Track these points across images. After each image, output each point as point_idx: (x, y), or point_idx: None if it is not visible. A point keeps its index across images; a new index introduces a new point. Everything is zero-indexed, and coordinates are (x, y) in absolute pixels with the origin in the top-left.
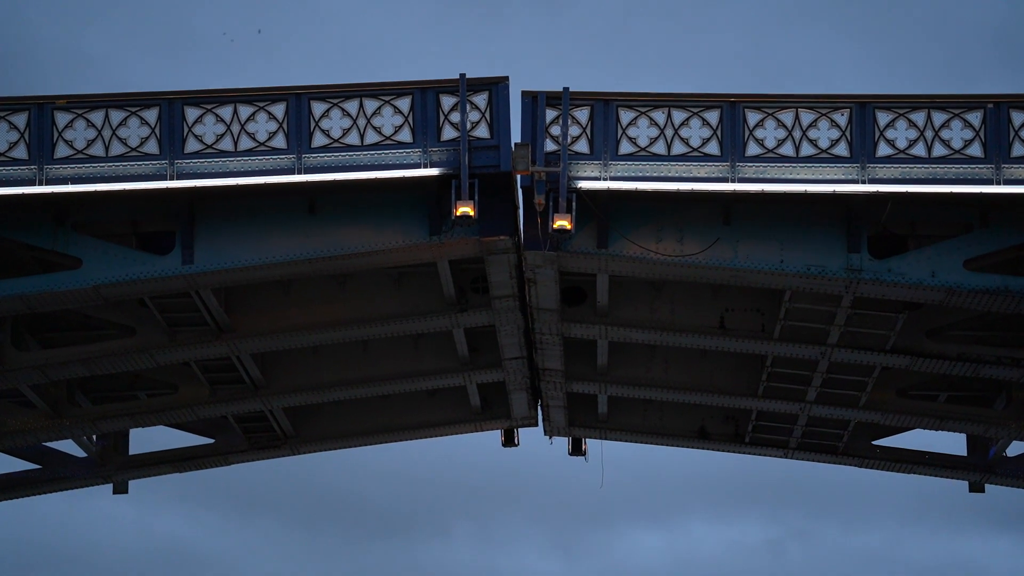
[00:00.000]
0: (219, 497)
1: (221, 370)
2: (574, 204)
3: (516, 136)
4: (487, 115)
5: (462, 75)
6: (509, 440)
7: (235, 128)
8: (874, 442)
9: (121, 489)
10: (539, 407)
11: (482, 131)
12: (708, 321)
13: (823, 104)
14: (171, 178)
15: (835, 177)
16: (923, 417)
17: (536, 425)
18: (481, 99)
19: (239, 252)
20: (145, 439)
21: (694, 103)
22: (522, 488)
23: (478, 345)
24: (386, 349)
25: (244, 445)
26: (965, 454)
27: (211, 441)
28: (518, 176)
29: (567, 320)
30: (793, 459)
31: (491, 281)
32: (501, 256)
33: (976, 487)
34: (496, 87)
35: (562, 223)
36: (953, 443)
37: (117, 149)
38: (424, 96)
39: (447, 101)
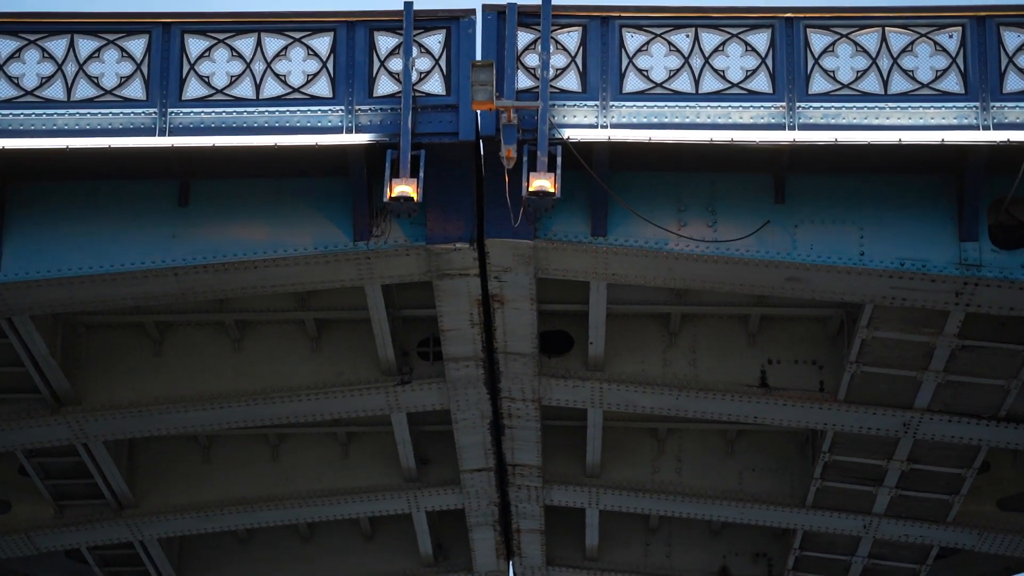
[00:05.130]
0: None
1: None
2: (559, 161)
3: None
4: (442, 63)
5: (408, 3)
6: None
7: (69, 69)
8: None
9: None
10: (509, 550)
11: (435, 84)
12: (744, 375)
13: (923, 20)
14: None
15: (943, 122)
16: None
17: None
18: (435, 40)
19: (69, 255)
20: None
21: (733, 21)
22: None
23: (428, 449)
24: (300, 446)
25: None
26: None
27: None
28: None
29: (547, 375)
30: None
31: (443, 329)
32: (457, 281)
33: None
34: (457, 24)
35: (542, 184)
36: None
37: None
38: (351, 34)
39: (385, 42)
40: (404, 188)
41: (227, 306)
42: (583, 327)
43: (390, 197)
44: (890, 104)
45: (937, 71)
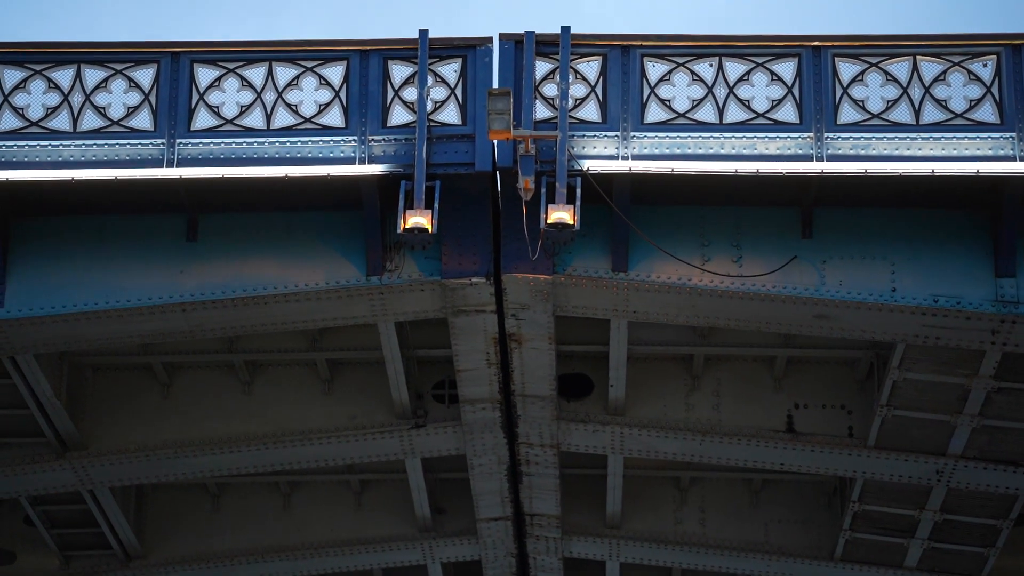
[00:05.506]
0: None
1: None
2: (578, 193)
3: None
4: (458, 92)
5: (423, 32)
6: None
7: (76, 99)
8: None
9: None
10: None
11: (450, 114)
12: (770, 421)
13: (956, 48)
14: None
15: (978, 153)
16: None
17: None
18: (450, 69)
19: (74, 291)
20: None
21: (758, 50)
22: None
23: (444, 497)
24: (312, 495)
25: None
26: None
27: None
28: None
29: (566, 419)
30: None
31: (459, 369)
32: (473, 318)
33: None
34: (473, 52)
35: (560, 216)
36: None
37: None
38: (365, 63)
39: (399, 71)
40: (418, 219)
41: (237, 346)
42: (603, 369)
43: (404, 228)
44: (922, 134)
45: (971, 100)
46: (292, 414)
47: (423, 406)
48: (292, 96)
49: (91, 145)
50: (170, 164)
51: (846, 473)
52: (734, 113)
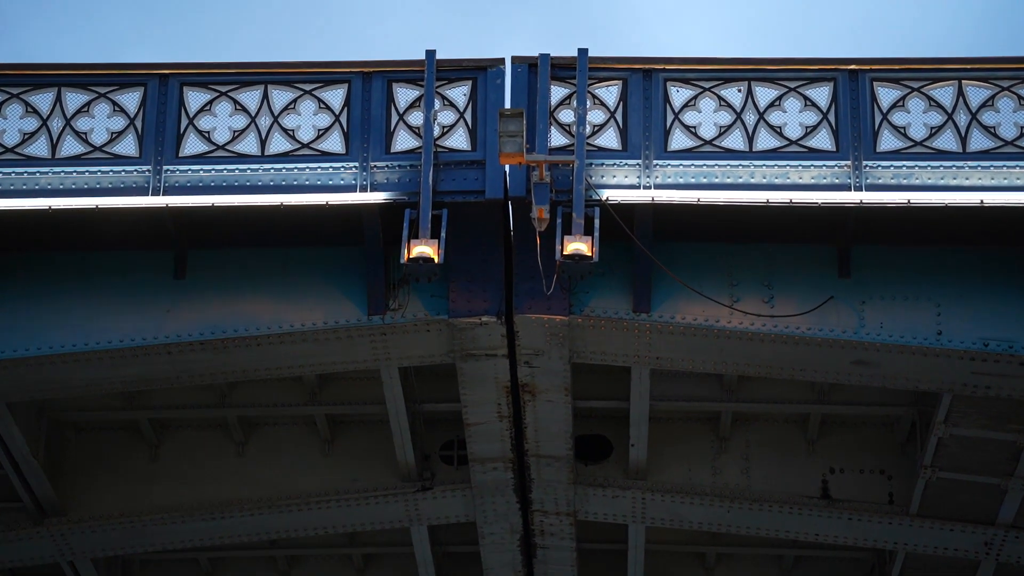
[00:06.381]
0: None
1: None
2: (596, 224)
3: None
4: (467, 117)
5: (429, 53)
6: None
7: (55, 124)
8: None
9: None
10: None
11: (459, 139)
12: (803, 486)
13: (1004, 72)
14: None
15: None
16: None
17: None
18: (459, 93)
19: (52, 332)
20: None
21: (790, 74)
22: None
23: (452, 572)
24: (312, 570)
25: None
26: None
27: None
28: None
29: (583, 483)
30: None
31: (468, 423)
32: (483, 363)
33: None
34: (484, 75)
35: (577, 247)
36: None
37: None
38: (367, 85)
39: (404, 94)
40: (424, 249)
41: (230, 400)
42: (623, 429)
43: (408, 258)
44: (970, 163)
45: (1022, 127)
46: (289, 476)
47: (430, 468)
48: (289, 121)
49: (71, 172)
50: (156, 192)
51: (886, 545)
52: (765, 140)
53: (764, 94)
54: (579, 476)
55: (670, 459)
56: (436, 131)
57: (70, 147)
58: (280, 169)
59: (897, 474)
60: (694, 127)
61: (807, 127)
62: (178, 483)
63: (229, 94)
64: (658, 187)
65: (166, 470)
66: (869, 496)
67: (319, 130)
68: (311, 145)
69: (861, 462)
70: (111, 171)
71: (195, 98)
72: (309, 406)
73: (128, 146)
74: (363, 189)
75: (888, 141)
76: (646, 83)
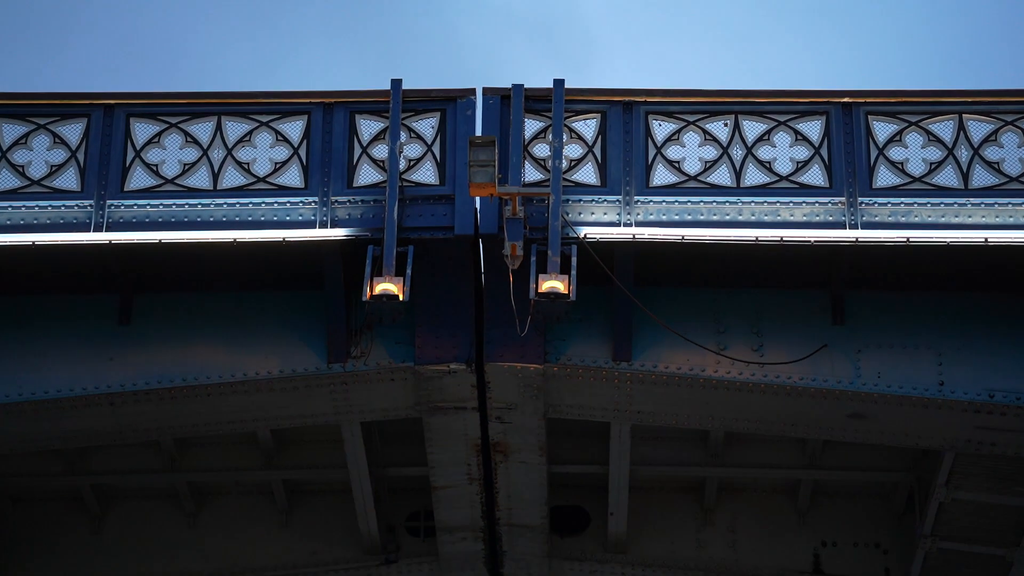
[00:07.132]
0: None
1: None
2: (573, 262)
3: None
4: (435, 150)
5: (395, 83)
6: None
7: None
8: None
9: None
10: None
11: (426, 173)
12: (794, 560)
13: (1008, 106)
14: None
15: None
16: None
17: None
18: (427, 125)
19: None
20: None
21: (779, 107)
22: None
23: None
24: None
25: None
26: None
27: None
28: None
29: (559, 557)
30: None
31: (435, 487)
32: (452, 418)
33: None
34: (453, 106)
35: (553, 285)
36: None
37: None
38: (328, 117)
39: (368, 126)
40: (387, 286)
41: (180, 464)
42: (601, 499)
43: (371, 295)
44: (972, 200)
45: None
46: (244, 550)
47: (395, 540)
48: (244, 154)
49: (5, 207)
50: (99, 228)
51: None
52: (753, 176)
53: (752, 128)
54: (554, 549)
55: (652, 531)
56: (402, 164)
57: (5, 180)
58: (234, 204)
59: (893, 548)
60: (678, 162)
61: (798, 162)
62: (124, 558)
63: (179, 125)
64: (640, 224)
65: (110, 543)
66: (864, 572)
67: (276, 163)
68: (267, 179)
69: (855, 535)
70: (50, 206)
71: (142, 130)
72: (265, 470)
73: (69, 180)
74: (323, 225)
75: (885, 177)
76: (626, 116)
